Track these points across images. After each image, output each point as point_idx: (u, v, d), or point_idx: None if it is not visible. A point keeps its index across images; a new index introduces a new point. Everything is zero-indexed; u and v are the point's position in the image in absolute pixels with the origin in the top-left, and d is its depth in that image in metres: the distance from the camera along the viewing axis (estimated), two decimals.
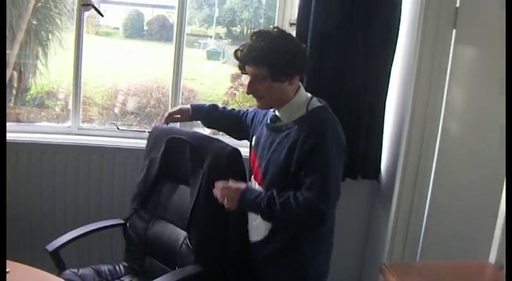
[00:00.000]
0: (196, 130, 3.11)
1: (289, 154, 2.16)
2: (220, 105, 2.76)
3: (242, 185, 2.26)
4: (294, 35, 2.88)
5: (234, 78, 3.77)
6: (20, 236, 3.13)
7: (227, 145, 2.49)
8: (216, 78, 4.10)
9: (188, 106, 2.69)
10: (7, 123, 3.26)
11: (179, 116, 2.69)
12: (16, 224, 3.11)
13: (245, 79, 3.88)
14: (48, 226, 3.12)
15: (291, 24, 3.11)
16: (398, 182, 2.75)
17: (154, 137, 2.76)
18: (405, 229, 2.77)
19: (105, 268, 2.70)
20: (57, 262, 2.53)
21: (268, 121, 2.34)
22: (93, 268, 2.66)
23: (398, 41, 2.80)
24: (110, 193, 3.16)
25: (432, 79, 2.62)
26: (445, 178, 2.66)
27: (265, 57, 2.15)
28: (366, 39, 2.78)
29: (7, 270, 2.03)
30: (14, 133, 3.13)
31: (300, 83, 2.30)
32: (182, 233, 2.57)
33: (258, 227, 2.34)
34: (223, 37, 4.14)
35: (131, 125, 3.43)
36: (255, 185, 2.36)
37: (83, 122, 3.36)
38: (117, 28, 3.99)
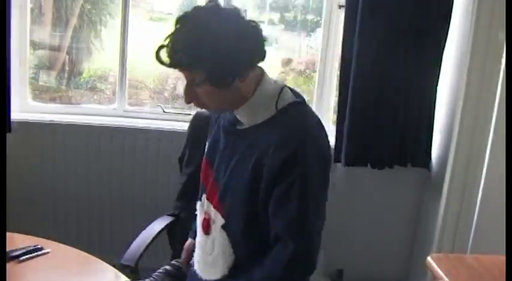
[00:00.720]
0: None
1: (256, 172, 1.60)
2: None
3: None
4: (343, 18, 2.82)
5: (285, 63, 3.74)
6: (68, 218, 3.20)
7: None
8: (266, 63, 4.05)
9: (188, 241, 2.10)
10: (55, 105, 3.36)
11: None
12: (64, 205, 3.19)
13: (296, 64, 3.85)
14: (94, 208, 3.18)
15: (340, 7, 3.04)
16: (450, 171, 2.68)
17: (203, 123, 2.69)
18: (455, 221, 2.70)
19: (169, 268, 2.24)
20: (134, 274, 2.07)
21: (226, 123, 1.75)
22: (160, 272, 2.19)
23: (451, 23, 2.70)
24: (155, 175, 3.15)
25: (486, 64, 2.53)
26: (499, 167, 2.54)
27: (197, 57, 1.51)
28: (418, 21, 2.69)
29: (47, 250, 1.90)
30: (61, 115, 3.19)
31: (263, 71, 1.69)
32: None
33: (214, 263, 1.77)
34: (277, 23, 4.10)
35: (180, 109, 3.43)
36: (209, 208, 1.76)
37: (134, 105, 3.39)
38: (171, 14, 4.01)
